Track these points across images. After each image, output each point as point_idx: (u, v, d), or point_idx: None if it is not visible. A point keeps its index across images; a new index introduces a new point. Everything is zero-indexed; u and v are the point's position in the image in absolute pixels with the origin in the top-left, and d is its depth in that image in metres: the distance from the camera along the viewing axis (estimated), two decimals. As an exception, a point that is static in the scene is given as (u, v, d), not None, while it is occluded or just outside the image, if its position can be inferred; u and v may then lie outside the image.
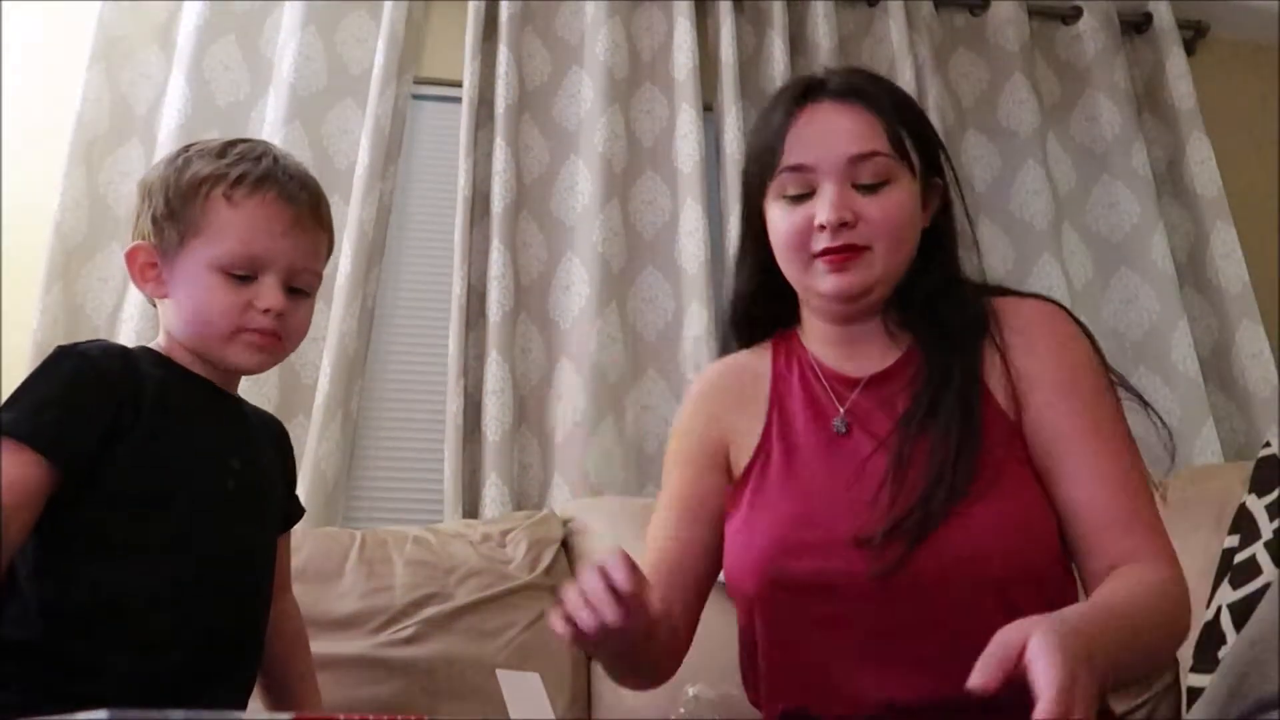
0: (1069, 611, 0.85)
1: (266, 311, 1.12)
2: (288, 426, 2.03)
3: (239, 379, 1.21)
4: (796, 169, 1.10)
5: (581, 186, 2.27)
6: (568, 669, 1.66)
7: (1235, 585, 1.50)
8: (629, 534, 1.79)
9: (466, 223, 2.17)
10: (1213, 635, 1.47)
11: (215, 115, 2.17)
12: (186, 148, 1.18)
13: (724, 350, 1.29)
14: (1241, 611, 1.44)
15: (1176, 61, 2.64)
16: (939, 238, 1.16)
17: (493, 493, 1.99)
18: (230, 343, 1.13)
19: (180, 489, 1.09)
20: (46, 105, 2.15)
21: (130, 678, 1.03)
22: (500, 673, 0.79)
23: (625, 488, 2.06)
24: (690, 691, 1.26)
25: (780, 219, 1.11)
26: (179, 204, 1.12)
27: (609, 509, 1.88)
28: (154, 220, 1.14)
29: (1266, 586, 1.43)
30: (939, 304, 1.13)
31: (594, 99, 2.32)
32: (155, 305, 1.20)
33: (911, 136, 1.12)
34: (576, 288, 2.19)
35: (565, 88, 2.38)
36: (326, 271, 2.09)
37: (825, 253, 1.08)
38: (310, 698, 1.28)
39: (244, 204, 1.12)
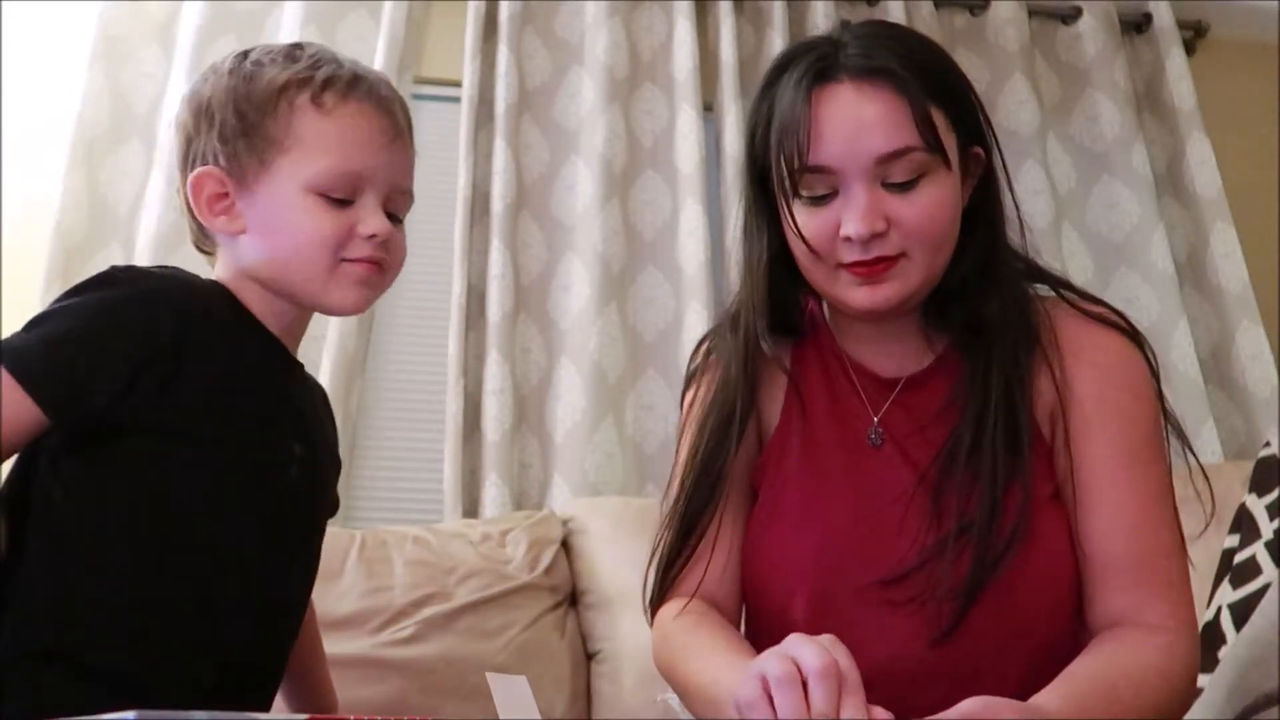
0: (1052, 707, 0.79)
1: (371, 238, 0.97)
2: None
3: (303, 335, 1.04)
4: (817, 170, 0.96)
5: (581, 186, 2.27)
6: (567, 669, 1.66)
7: (1235, 585, 1.50)
8: (629, 534, 1.79)
9: (466, 223, 2.17)
10: (1213, 635, 1.47)
11: (215, 115, 2.17)
12: (244, 54, 0.99)
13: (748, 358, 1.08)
14: (1241, 611, 1.44)
15: (1176, 61, 2.64)
16: (980, 213, 1.03)
17: (492, 492, 1.99)
18: (332, 278, 0.96)
19: (230, 471, 0.93)
20: (46, 105, 2.15)
21: (149, 691, 0.88)
22: (489, 676, 0.78)
23: (625, 488, 2.06)
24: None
25: (800, 222, 0.99)
26: (257, 116, 0.95)
27: (609, 509, 1.88)
28: (223, 140, 0.95)
29: (1266, 586, 1.42)
30: (981, 299, 1.02)
31: (594, 99, 2.31)
32: (205, 250, 1.03)
33: (947, 112, 0.98)
34: (576, 288, 2.19)
35: (565, 88, 2.38)
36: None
37: (854, 265, 0.97)
38: (331, 704, 1.20)
39: (338, 112, 0.96)
